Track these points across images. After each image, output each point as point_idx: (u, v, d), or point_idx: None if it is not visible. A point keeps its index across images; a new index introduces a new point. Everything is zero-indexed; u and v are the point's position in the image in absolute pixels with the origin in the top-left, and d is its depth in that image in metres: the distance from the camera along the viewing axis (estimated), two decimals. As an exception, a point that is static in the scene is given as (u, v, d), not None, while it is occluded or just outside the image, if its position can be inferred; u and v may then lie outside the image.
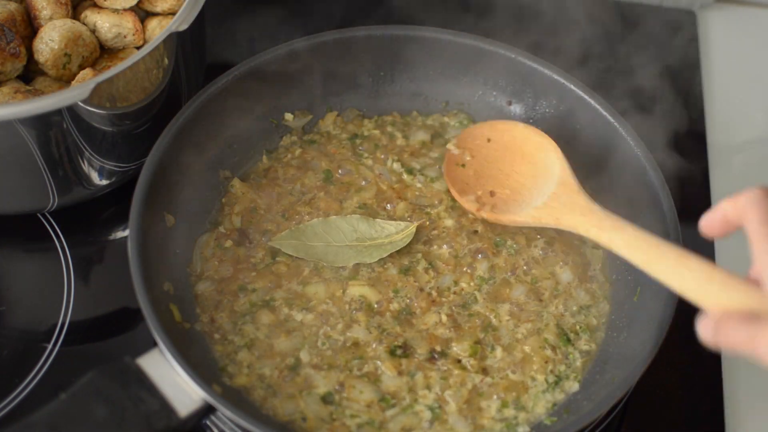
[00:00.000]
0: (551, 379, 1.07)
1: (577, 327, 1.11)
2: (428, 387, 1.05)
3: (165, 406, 0.93)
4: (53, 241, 1.22)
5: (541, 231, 1.17)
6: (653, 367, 1.00)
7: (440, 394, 1.05)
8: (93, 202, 1.23)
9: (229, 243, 1.15)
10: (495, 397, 1.05)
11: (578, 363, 1.09)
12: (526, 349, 1.09)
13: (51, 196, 1.17)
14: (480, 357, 1.08)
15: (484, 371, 1.07)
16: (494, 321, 1.11)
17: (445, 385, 1.06)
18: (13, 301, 1.18)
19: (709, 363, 1.17)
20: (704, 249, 1.18)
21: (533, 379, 1.07)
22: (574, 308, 1.12)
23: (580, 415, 1.00)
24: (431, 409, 1.04)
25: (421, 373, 1.06)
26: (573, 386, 1.07)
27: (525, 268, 1.15)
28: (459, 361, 1.07)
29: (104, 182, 1.20)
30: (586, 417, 0.98)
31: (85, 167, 1.15)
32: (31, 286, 1.20)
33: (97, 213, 1.26)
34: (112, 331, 1.18)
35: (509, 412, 1.05)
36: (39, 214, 1.24)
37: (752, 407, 1.16)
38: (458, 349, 1.08)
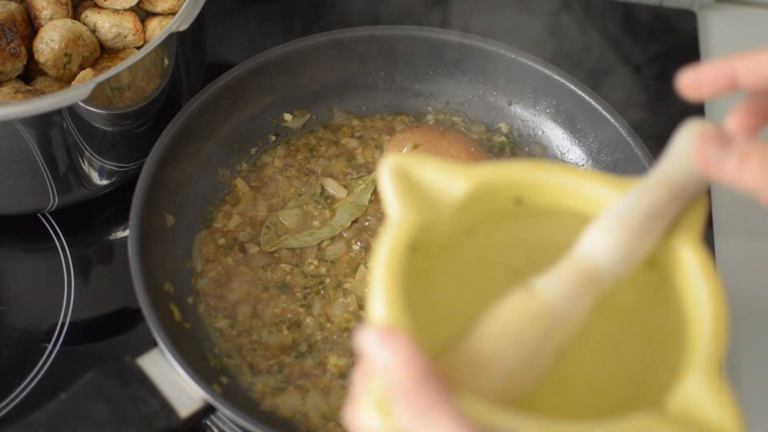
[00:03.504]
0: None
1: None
2: None
3: (165, 406, 0.93)
4: (53, 241, 1.22)
5: None
6: (653, 367, 1.00)
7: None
8: (93, 202, 1.23)
9: (222, 241, 1.16)
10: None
11: (578, 363, 1.09)
12: None
13: (51, 196, 1.17)
14: None
15: None
16: None
17: None
18: (13, 301, 1.18)
19: (709, 363, 1.17)
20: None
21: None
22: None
23: (580, 415, 1.00)
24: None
25: None
26: (573, 386, 1.07)
27: None
28: None
29: (104, 182, 1.20)
30: (586, 417, 0.98)
31: (85, 167, 1.15)
32: (31, 286, 1.20)
33: (97, 213, 1.26)
34: (112, 331, 1.17)
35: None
36: (39, 214, 1.24)
37: (752, 407, 1.16)
38: None
